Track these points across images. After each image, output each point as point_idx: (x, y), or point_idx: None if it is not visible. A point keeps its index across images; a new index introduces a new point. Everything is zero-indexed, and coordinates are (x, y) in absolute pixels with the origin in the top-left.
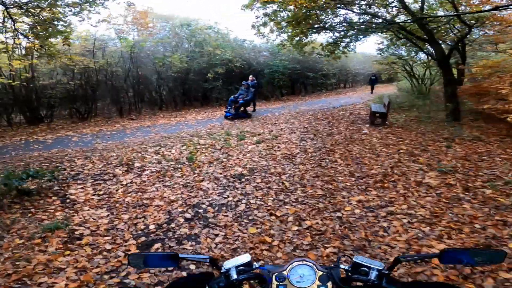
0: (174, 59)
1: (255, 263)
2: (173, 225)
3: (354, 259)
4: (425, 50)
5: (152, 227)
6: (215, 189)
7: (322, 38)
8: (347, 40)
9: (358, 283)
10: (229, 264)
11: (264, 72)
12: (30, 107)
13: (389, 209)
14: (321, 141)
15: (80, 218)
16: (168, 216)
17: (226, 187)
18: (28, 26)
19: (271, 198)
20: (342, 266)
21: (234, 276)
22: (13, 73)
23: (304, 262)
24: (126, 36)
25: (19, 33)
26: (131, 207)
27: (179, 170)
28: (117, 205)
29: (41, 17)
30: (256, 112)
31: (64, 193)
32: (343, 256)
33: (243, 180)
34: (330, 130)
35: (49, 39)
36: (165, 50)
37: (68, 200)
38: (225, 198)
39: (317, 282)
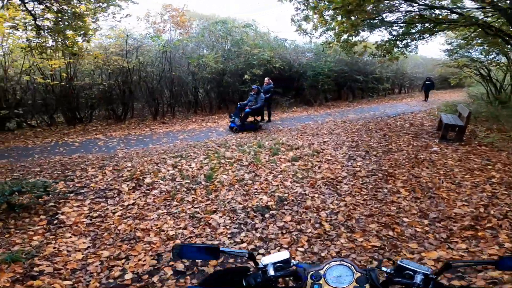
0: (208, 59)
1: (293, 260)
2: (156, 279)
3: (398, 262)
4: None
5: (128, 277)
6: (228, 227)
7: (376, 36)
8: (408, 38)
9: (400, 287)
10: (267, 260)
11: (307, 75)
12: (69, 107)
13: (491, 274)
14: (376, 160)
15: (55, 248)
16: (155, 263)
17: (242, 226)
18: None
19: (302, 250)
20: (384, 268)
21: (271, 273)
22: (51, 72)
23: (342, 262)
24: (163, 35)
25: (40, 30)
26: (119, 240)
27: (192, 192)
28: (105, 234)
29: (59, 12)
30: (272, 122)
31: (56, 212)
32: (386, 259)
33: (266, 216)
34: (387, 146)
35: (68, 35)
36: (200, 49)
37: (55, 221)
38: (236, 243)
39: (354, 284)
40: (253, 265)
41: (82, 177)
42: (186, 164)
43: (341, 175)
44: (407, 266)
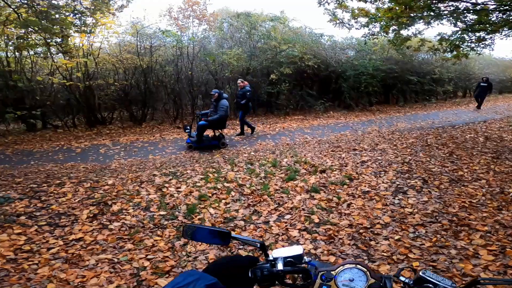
0: (229, 56)
1: (305, 257)
2: None
3: (420, 273)
4: None
5: None
6: None
7: (435, 30)
8: (489, 28)
9: None
10: (278, 253)
11: (347, 74)
12: (89, 108)
13: None
14: (439, 196)
15: None
16: None
17: None
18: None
19: None
20: (402, 278)
21: (280, 267)
22: (66, 72)
23: (358, 266)
24: (186, 31)
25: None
26: None
27: (159, 232)
28: (15, 277)
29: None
30: (255, 134)
31: None
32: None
33: None
34: (456, 172)
35: (54, 31)
36: (224, 46)
37: None
38: None
39: None
40: (263, 256)
41: (52, 194)
42: (175, 185)
43: (381, 220)
44: (429, 278)
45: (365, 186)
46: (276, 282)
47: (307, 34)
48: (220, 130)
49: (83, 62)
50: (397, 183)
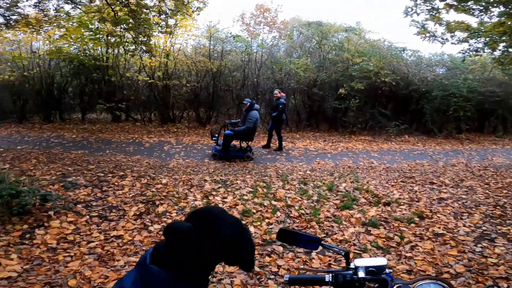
0: (296, 65)
1: (387, 269)
2: None
3: None
4: None
5: None
6: None
7: None
8: None
9: None
10: (360, 262)
11: (432, 94)
12: (164, 106)
13: None
14: None
15: None
16: None
17: None
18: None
19: None
20: None
21: (361, 275)
22: (150, 70)
23: (438, 282)
24: (257, 38)
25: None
26: (43, 282)
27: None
28: (45, 268)
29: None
30: (283, 150)
31: (42, 223)
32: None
33: None
34: None
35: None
36: (292, 55)
37: (27, 235)
38: None
39: None
40: (345, 264)
41: (113, 185)
42: (222, 195)
43: (452, 269)
44: None
45: (439, 227)
46: None
47: (385, 47)
48: (247, 142)
49: (164, 62)
50: (484, 228)
